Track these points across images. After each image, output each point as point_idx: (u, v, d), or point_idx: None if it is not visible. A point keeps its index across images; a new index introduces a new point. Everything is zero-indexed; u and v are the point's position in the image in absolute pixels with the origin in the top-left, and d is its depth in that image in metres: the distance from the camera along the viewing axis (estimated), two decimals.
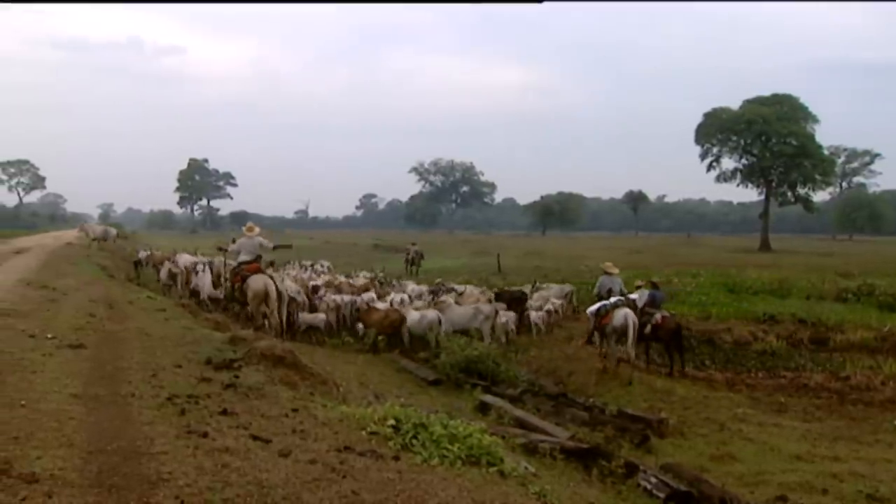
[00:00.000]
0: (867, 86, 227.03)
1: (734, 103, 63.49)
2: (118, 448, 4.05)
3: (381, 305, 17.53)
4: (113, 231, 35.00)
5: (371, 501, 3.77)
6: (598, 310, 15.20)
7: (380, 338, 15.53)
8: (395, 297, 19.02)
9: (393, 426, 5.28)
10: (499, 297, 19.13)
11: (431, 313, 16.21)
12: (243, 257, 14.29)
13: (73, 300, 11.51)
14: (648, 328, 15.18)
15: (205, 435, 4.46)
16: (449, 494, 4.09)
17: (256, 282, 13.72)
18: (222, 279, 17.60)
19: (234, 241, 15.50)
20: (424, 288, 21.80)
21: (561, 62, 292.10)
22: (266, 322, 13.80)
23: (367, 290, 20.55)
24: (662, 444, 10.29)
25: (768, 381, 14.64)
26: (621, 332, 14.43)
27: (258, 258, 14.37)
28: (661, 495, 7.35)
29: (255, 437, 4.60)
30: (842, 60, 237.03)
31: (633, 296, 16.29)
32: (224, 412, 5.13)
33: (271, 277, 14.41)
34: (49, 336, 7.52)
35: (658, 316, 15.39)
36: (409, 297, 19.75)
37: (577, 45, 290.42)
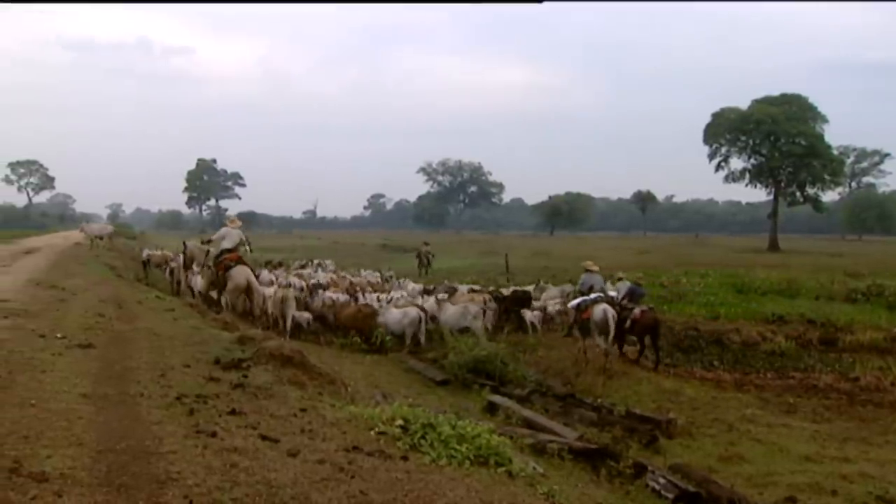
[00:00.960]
0: (870, 86, 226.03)
1: (736, 103, 63.03)
2: (127, 447, 4.07)
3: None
4: (110, 228, 36.81)
5: (379, 501, 3.78)
6: (579, 305, 15.64)
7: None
8: (387, 295, 19.11)
9: (401, 426, 5.29)
10: (497, 299, 18.88)
11: (413, 311, 16.16)
12: (226, 245, 14.89)
13: (82, 300, 11.56)
14: (628, 323, 15.45)
15: (213, 434, 4.47)
16: (457, 495, 4.09)
17: (239, 275, 14.26)
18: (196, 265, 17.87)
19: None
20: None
21: (564, 62, 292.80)
22: (266, 322, 14.04)
23: (365, 289, 20.62)
24: (671, 445, 10.26)
25: (777, 382, 14.56)
26: (602, 326, 14.63)
27: (238, 247, 15.01)
28: (670, 496, 7.34)
29: (263, 437, 4.61)
30: (843, 60, 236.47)
31: (611, 292, 16.63)
32: (233, 412, 5.14)
33: (253, 270, 15.10)
34: (59, 336, 7.55)
35: (637, 311, 15.64)
36: (407, 296, 19.80)
37: (580, 45, 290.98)
